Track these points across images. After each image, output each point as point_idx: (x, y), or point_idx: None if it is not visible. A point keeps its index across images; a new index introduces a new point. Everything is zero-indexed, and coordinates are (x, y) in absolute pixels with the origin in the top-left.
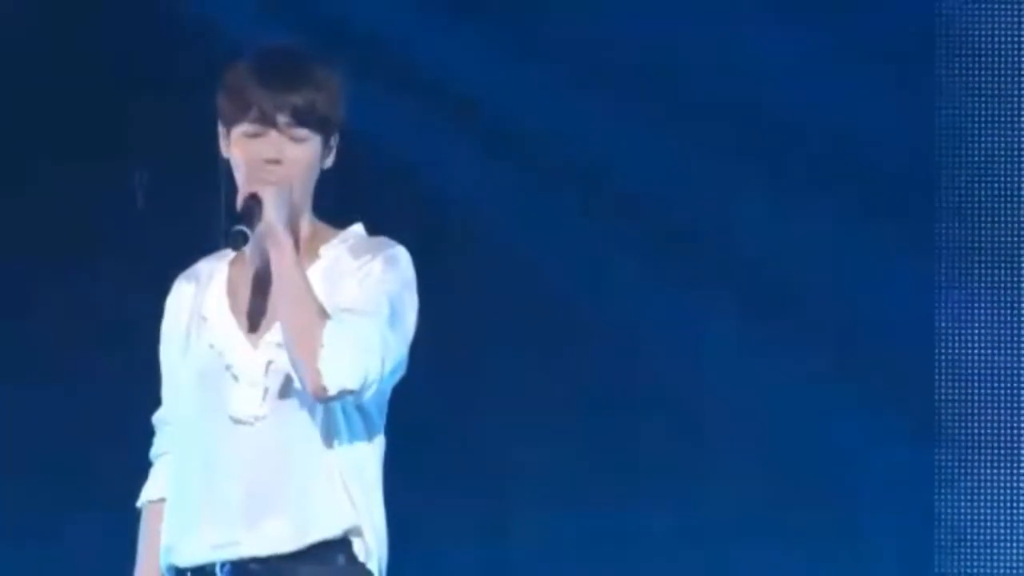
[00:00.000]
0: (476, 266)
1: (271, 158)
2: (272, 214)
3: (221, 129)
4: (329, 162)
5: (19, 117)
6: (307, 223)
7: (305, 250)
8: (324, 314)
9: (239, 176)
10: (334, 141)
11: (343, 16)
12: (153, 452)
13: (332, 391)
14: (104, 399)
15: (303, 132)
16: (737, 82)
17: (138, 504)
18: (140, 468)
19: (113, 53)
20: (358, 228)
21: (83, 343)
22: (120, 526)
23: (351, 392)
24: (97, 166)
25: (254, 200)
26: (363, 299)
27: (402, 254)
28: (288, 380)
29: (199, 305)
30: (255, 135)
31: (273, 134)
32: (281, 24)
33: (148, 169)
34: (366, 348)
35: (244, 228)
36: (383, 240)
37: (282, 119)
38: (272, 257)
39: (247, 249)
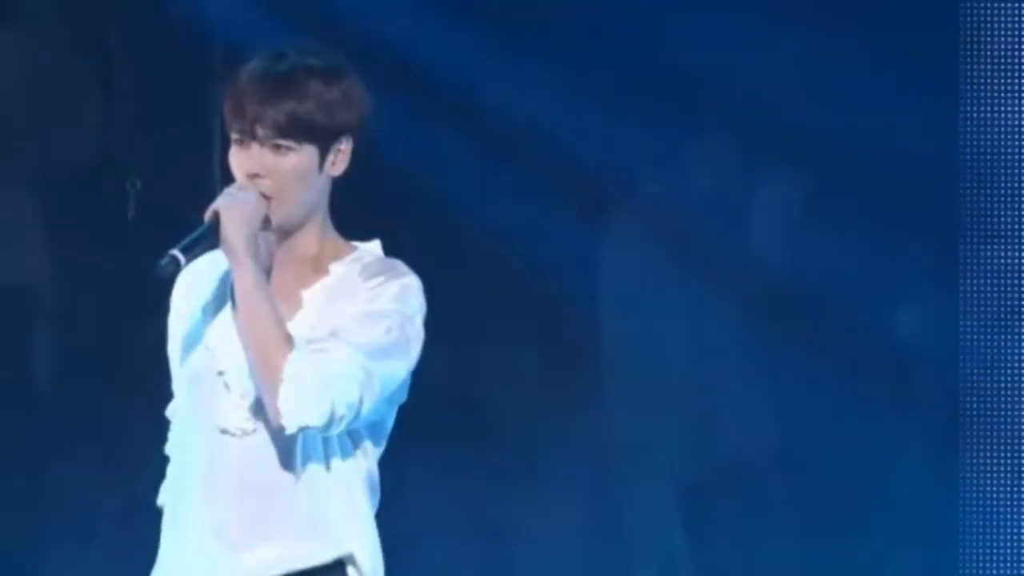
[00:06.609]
0: (476, 266)
1: (252, 172)
2: (230, 232)
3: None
4: (338, 169)
5: (10, 119)
6: (316, 237)
7: (314, 265)
8: (288, 343)
9: None
10: (345, 144)
11: (343, 16)
12: (168, 447)
13: (291, 429)
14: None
15: (285, 143)
16: (749, 84)
17: (159, 502)
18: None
19: (109, 55)
20: (374, 247)
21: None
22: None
23: (314, 427)
24: (90, 172)
25: (215, 217)
26: (355, 326)
27: (414, 283)
28: None
29: (202, 299)
30: (240, 147)
31: (255, 147)
32: (281, 26)
33: (141, 177)
34: (335, 380)
35: (176, 253)
36: (397, 265)
37: (261, 131)
38: (233, 277)
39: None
